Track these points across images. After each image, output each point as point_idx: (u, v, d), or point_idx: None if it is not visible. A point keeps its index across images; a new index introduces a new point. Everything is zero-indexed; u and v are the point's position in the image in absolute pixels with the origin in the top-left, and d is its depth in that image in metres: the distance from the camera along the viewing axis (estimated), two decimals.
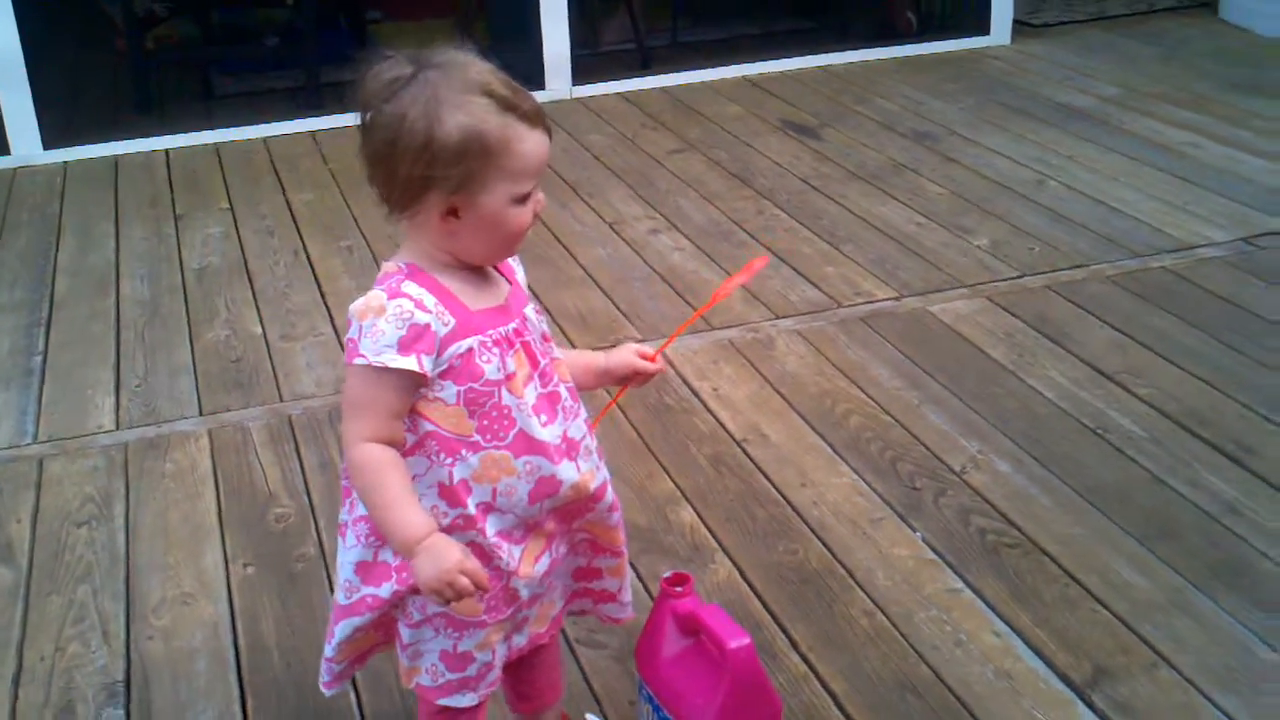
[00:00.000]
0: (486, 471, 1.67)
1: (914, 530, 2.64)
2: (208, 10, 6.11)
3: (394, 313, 1.59)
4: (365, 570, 1.73)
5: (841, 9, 6.67)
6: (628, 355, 1.93)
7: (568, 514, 1.78)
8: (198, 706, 2.26)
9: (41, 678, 2.33)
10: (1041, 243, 3.96)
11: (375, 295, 1.61)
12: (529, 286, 1.81)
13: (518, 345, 1.69)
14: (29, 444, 3.08)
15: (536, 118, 1.62)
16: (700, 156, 4.84)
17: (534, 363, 1.71)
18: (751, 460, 2.92)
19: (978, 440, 2.93)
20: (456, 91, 1.57)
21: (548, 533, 1.77)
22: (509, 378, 1.67)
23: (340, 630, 1.77)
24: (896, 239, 4.04)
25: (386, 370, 1.58)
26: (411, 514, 1.62)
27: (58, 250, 4.17)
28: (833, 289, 3.72)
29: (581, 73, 5.63)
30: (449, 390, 1.64)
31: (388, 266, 1.67)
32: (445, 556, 1.58)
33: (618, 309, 3.66)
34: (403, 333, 1.58)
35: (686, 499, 2.78)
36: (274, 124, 5.25)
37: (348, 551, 1.74)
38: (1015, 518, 2.65)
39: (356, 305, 1.62)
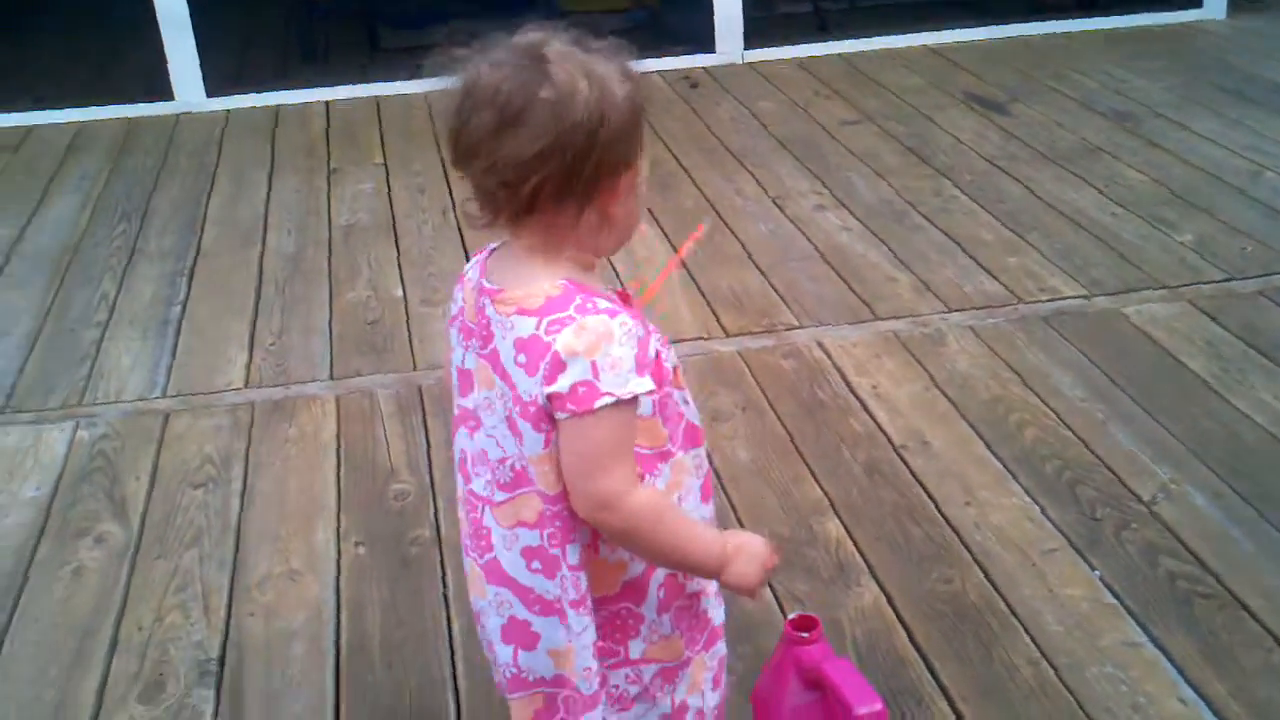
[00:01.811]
0: (677, 478, 1.48)
1: (1091, 568, 2.34)
2: None
3: (622, 333, 1.33)
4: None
5: None
6: None
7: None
8: (288, 696, 2.11)
9: (137, 648, 2.21)
10: (1255, 242, 3.56)
11: (594, 322, 1.32)
12: None
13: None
14: (157, 397, 2.99)
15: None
16: (875, 129, 4.53)
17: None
18: (910, 470, 2.65)
19: (1171, 467, 2.60)
20: (594, 59, 1.35)
21: None
22: (676, 369, 1.47)
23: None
24: (1088, 229, 3.68)
25: (635, 399, 1.35)
26: (706, 536, 1.47)
27: (210, 199, 4.10)
28: (1014, 282, 3.40)
29: (754, 36, 5.36)
30: (645, 402, 1.40)
31: (549, 290, 1.36)
32: (751, 548, 1.48)
33: (775, 291, 3.41)
34: (637, 351, 1.34)
35: (835, 509, 2.53)
36: (436, 79, 5.10)
37: (586, 633, 1.47)
38: (1212, 562, 2.33)
39: (577, 342, 1.32)
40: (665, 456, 1.46)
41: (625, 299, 1.47)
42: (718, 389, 2.95)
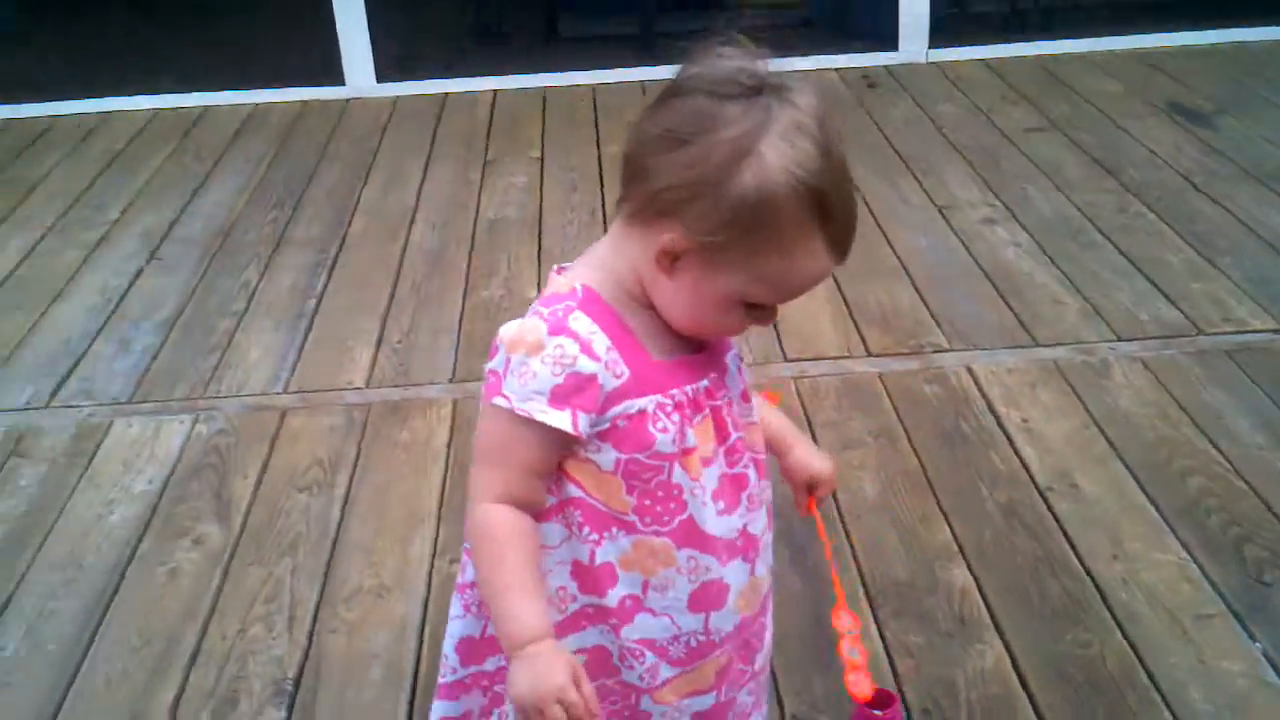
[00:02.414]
0: (640, 559, 1.31)
1: (1253, 640, 2.07)
2: None
3: (552, 354, 1.23)
4: (469, 647, 1.40)
5: None
6: (802, 473, 1.52)
7: (746, 642, 1.40)
8: None
9: (217, 659, 2.15)
10: None
11: (533, 325, 1.25)
12: None
13: (706, 411, 1.31)
14: (279, 393, 2.95)
15: (843, 244, 1.24)
16: (1061, 138, 4.23)
17: (722, 435, 1.33)
18: (1054, 515, 2.40)
19: None
20: (786, 147, 1.18)
21: (720, 666, 1.39)
22: (686, 452, 1.29)
23: (435, 713, 1.45)
24: None
25: (531, 421, 1.24)
26: (527, 606, 1.27)
27: (364, 188, 4.07)
28: (1195, 310, 3.10)
29: (940, 34, 5.08)
30: (606, 455, 1.27)
31: (558, 283, 1.30)
32: (548, 676, 1.22)
33: (927, 309, 3.18)
34: (559, 381, 1.22)
35: (964, 555, 2.31)
36: (606, 70, 5.01)
37: (454, 622, 1.42)
38: None
39: (508, 331, 1.26)
40: (627, 528, 1.29)
41: None
42: (852, 414, 2.75)
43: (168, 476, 2.64)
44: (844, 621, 1.49)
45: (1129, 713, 1.95)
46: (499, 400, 1.24)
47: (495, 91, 4.93)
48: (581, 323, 1.24)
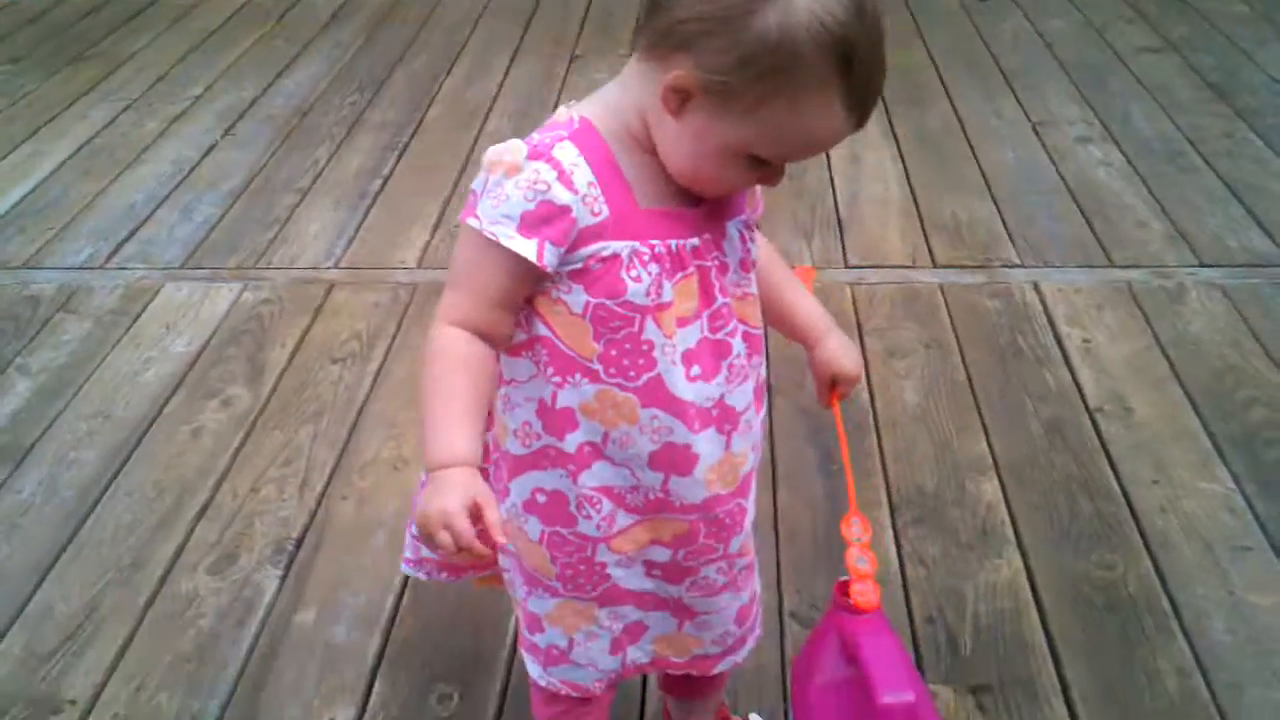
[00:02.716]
0: (602, 409, 1.25)
1: None
2: None
3: (528, 178, 1.17)
4: (547, 414, 1.31)
5: None
6: (826, 368, 1.44)
7: (718, 520, 1.34)
8: (353, 585, 2.01)
9: (225, 516, 2.16)
10: None
11: (514, 147, 1.19)
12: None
13: (691, 269, 1.23)
14: (329, 268, 2.94)
15: (861, 106, 1.14)
16: (1177, 59, 4.00)
17: (707, 298, 1.25)
18: (1099, 436, 2.29)
19: None
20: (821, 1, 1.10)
21: (679, 532, 1.34)
22: (660, 308, 1.22)
23: (524, 484, 1.36)
24: None
25: (497, 246, 1.18)
26: (456, 432, 1.22)
27: (446, 78, 4.03)
28: None
29: None
30: (577, 297, 1.22)
31: (559, 114, 1.24)
32: (442, 500, 1.18)
33: (1003, 223, 3.04)
34: (530, 207, 1.17)
35: (996, 468, 2.21)
36: None
37: (523, 386, 1.32)
38: None
39: (492, 151, 1.21)
40: (591, 376, 1.24)
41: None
42: (905, 323, 2.64)
43: (207, 339, 2.65)
44: (853, 529, 1.41)
45: (1142, 637, 1.86)
46: (471, 220, 1.20)
47: None
48: (567, 151, 1.18)
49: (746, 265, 1.31)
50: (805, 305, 1.45)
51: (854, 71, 1.12)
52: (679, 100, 1.15)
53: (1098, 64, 3.98)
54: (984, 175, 3.28)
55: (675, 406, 1.26)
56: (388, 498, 2.19)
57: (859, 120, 1.16)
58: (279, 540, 2.10)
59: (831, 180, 3.25)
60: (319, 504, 2.18)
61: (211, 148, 3.55)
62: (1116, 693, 1.76)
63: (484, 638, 1.89)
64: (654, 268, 1.21)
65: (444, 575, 1.55)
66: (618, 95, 1.23)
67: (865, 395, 2.41)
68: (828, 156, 3.31)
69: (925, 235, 2.99)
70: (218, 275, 2.90)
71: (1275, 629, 1.85)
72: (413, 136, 3.60)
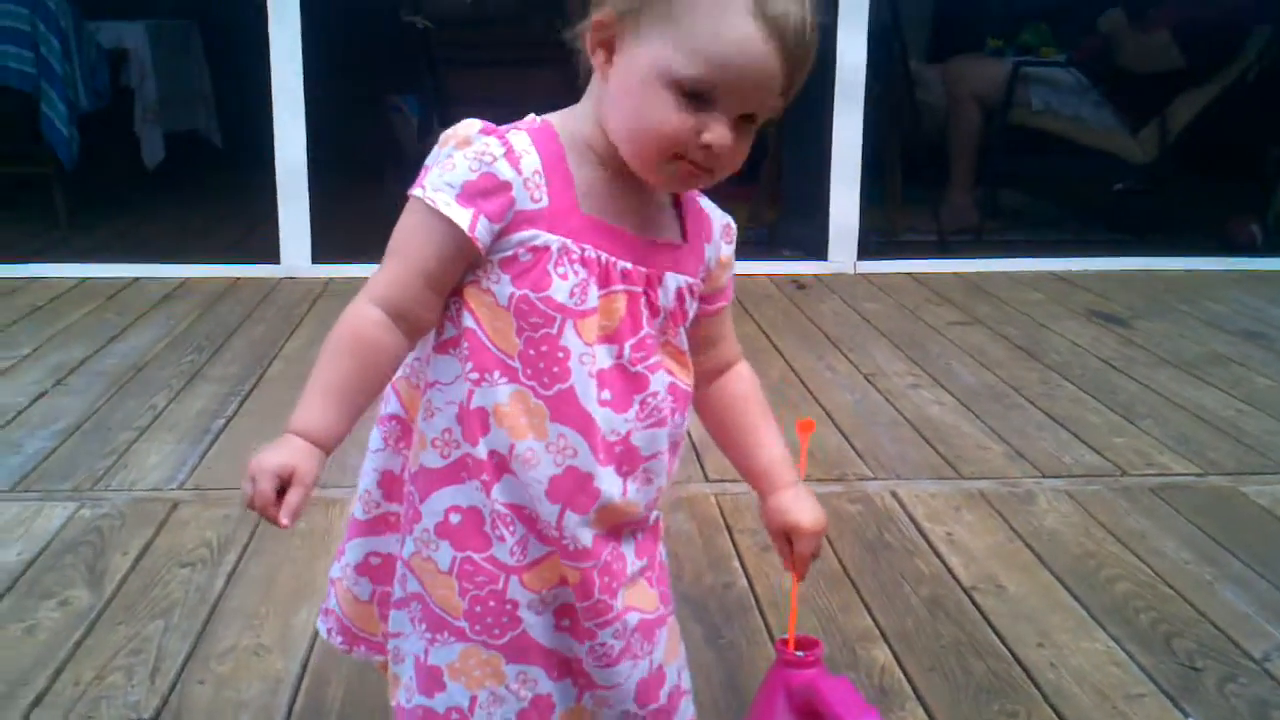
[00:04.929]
0: (514, 415, 1.22)
1: (1185, 715, 1.95)
2: None
3: (476, 150, 1.21)
4: (391, 482, 1.33)
5: (1170, 221, 5.97)
6: (777, 519, 1.46)
7: (604, 565, 1.30)
8: None
9: (64, 704, 1.95)
10: None
11: (469, 123, 1.26)
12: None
13: (619, 288, 1.24)
14: (173, 489, 2.80)
15: (778, 25, 1.15)
16: (985, 330, 4.29)
17: (633, 322, 1.26)
18: (979, 609, 2.30)
19: None
20: None
21: (578, 580, 1.27)
22: (582, 314, 1.22)
23: (351, 552, 1.35)
24: (1210, 421, 3.34)
25: (435, 213, 1.20)
26: (322, 408, 1.26)
27: (287, 341, 4.01)
28: (1119, 457, 3.07)
29: (869, 249, 5.22)
30: (504, 287, 1.22)
31: (526, 118, 1.29)
32: (272, 453, 1.25)
33: (852, 448, 3.12)
34: (472, 177, 1.20)
35: (885, 638, 2.19)
36: None
37: (373, 456, 1.36)
38: None
39: (449, 131, 1.27)
40: (509, 374, 1.23)
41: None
42: None
43: (41, 549, 2.47)
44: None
45: None
46: (416, 190, 1.22)
47: None
48: (520, 139, 1.23)
49: (677, 320, 1.32)
50: (773, 452, 1.44)
51: None
52: (605, 49, 1.21)
53: (916, 333, 4.24)
54: (828, 413, 3.39)
55: (584, 424, 1.23)
56: (249, 681, 2.02)
57: (776, 35, 1.14)
58: None
59: None
60: (172, 689, 2.00)
61: (41, 394, 3.41)
62: None
63: None
64: (581, 270, 1.22)
65: (340, 641, 1.44)
66: (580, 109, 1.29)
67: (744, 580, 2.38)
68: None
69: None
70: (51, 496, 2.73)
71: None
72: (255, 387, 3.54)
